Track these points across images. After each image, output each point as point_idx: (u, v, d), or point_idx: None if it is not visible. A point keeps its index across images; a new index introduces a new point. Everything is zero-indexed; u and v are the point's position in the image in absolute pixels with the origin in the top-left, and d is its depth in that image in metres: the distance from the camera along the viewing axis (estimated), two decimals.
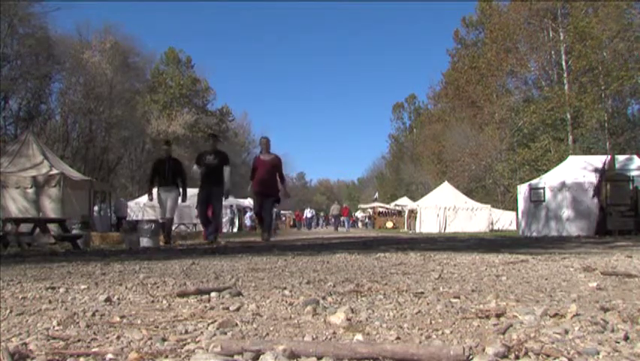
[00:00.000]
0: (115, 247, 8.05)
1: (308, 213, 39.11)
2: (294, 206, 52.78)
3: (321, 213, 52.57)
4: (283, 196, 8.91)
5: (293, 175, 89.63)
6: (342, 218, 32.77)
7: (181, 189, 8.78)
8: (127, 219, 16.11)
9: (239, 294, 1.66)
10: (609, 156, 13.56)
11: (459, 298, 1.56)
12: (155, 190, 8.69)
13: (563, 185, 14.19)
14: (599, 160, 14.27)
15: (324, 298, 1.56)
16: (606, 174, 12.81)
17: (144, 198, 16.98)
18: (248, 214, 32.98)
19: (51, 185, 11.39)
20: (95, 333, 1.10)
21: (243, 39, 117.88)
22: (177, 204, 9.03)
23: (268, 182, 8.46)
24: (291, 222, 41.23)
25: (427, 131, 44.89)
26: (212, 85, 49.95)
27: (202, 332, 1.11)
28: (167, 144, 9.59)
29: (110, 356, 0.92)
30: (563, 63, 28.17)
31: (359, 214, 47.54)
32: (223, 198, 8.60)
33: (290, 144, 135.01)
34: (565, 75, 27.90)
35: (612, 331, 1.06)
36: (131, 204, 21.58)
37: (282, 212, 41.87)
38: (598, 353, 0.90)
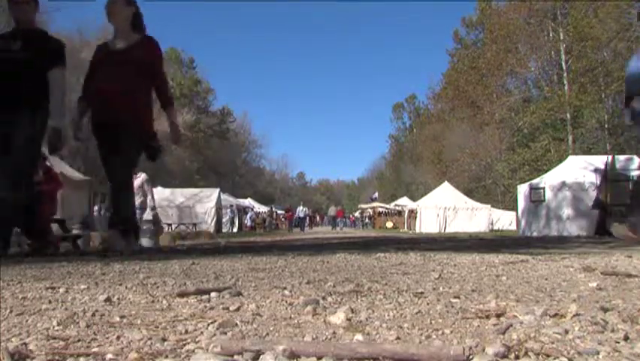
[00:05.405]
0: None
1: (300, 212, 33.44)
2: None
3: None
4: (173, 140, 4.48)
5: (293, 175, 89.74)
6: (337, 219, 36.99)
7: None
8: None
9: (239, 294, 1.66)
10: (609, 158, 13.54)
11: (459, 298, 1.56)
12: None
13: (563, 185, 14.20)
14: (599, 160, 14.28)
15: (324, 298, 1.56)
16: (608, 175, 12.79)
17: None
18: (249, 215, 33.00)
19: None
20: (95, 333, 1.10)
21: (242, 39, 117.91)
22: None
23: (123, 100, 3.96)
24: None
25: (427, 131, 44.96)
26: (212, 85, 49.98)
27: (202, 332, 1.11)
28: None
29: (110, 356, 0.92)
30: (563, 63, 28.19)
31: (358, 214, 47.49)
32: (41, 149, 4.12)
33: (290, 144, 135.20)
34: (565, 75, 27.90)
35: (612, 331, 1.06)
36: None
37: (279, 212, 41.51)
38: (598, 353, 0.90)
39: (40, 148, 4.17)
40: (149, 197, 8.93)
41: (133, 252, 3.91)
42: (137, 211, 8.50)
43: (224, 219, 26.69)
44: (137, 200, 8.57)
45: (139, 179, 8.90)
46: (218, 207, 25.13)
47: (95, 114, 4.21)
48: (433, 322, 1.22)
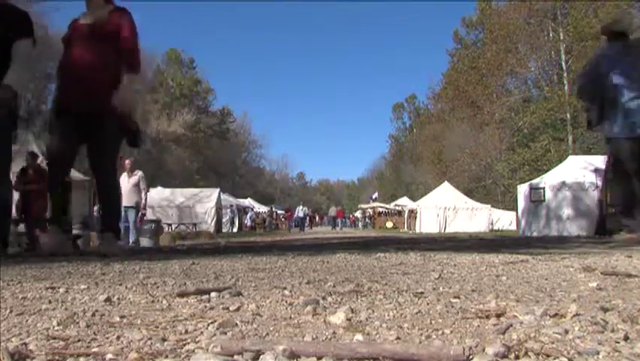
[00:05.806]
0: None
1: (300, 212, 33.04)
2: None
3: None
4: (121, 105, 3.72)
5: (293, 175, 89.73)
6: (337, 219, 37.81)
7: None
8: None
9: (239, 294, 1.66)
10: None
11: (459, 298, 1.56)
12: None
13: (563, 185, 14.20)
14: (599, 160, 14.28)
15: (324, 298, 1.56)
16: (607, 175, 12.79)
17: None
18: (249, 215, 32.99)
19: None
20: (95, 333, 1.10)
21: (242, 39, 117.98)
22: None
23: (96, 80, 3.71)
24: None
25: (427, 131, 44.99)
26: (212, 85, 50.03)
27: (202, 332, 1.11)
28: None
29: (110, 356, 0.92)
30: (563, 63, 28.19)
31: (358, 214, 47.53)
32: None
33: (290, 144, 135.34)
34: (565, 75, 27.90)
35: (612, 331, 1.06)
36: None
37: (279, 212, 41.56)
38: (598, 353, 0.90)
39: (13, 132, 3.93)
40: (142, 194, 8.84)
41: (127, 252, 3.84)
42: (134, 211, 8.57)
43: (224, 219, 26.70)
44: (134, 198, 8.61)
45: (135, 177, 8.81)
46: (218, 207, 25.14)
47: (68, 100, 3.85)
48: (433, 322, 1.22)
